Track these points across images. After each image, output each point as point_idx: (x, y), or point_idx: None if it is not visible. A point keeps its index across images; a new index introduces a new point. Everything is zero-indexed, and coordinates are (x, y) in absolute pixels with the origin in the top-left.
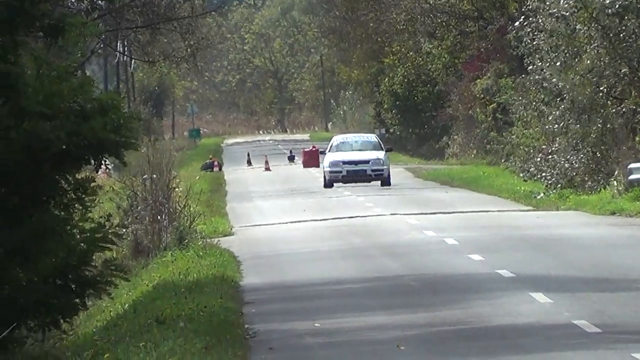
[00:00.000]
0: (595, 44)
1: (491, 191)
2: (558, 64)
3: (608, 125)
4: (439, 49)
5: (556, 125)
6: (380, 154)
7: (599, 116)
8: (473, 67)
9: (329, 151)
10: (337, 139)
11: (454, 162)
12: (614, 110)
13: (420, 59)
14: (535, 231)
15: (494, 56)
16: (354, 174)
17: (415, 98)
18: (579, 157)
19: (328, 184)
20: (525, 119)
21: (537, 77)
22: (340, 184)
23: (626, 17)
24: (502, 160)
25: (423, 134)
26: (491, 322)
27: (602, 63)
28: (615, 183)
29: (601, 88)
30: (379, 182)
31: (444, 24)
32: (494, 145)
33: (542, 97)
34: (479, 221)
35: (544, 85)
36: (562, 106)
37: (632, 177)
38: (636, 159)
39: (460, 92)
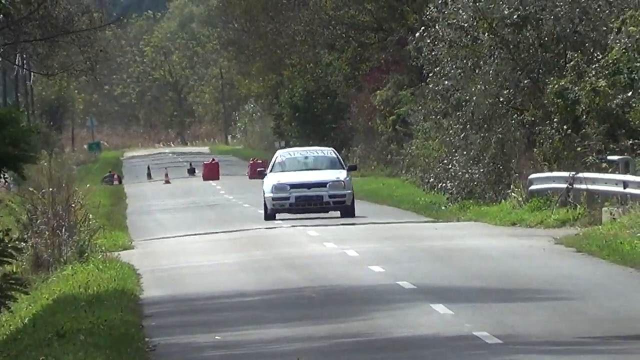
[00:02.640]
0: (496, 55)
1: (392, 202)
2: (458, 74)
3: (508, 136)
4: (339, 60)
5: (456, 137)
6: (341, 174)
7: (499, 127)
8: (373, 78)
9: (271, 170)
10: (281, 154)
11: (354, 174)
12: (514, 121)
13: (320, 71)
14: (436, 242)
15: (393, 67)
16: (305, 202)
17: (315, 110)
18: (479, 168)
19: (269, 215)
20: (425, 130)
21: (436, 87)
22: (286, 214)
23: (525, 28)
24: (403, 172)
25: (323, 146)
26: (392, 334)
27: (502, 74)
28: (515, 194)
29: (501, 99)
30: (338, 212)
31: (343, 35)
32: (394, 156)
33: (442, 107)
34: (380, 233)
35: (443, 95)
36: (462, 117)
37: (532, 187)
38: (536, 169)
39: (360, 104)
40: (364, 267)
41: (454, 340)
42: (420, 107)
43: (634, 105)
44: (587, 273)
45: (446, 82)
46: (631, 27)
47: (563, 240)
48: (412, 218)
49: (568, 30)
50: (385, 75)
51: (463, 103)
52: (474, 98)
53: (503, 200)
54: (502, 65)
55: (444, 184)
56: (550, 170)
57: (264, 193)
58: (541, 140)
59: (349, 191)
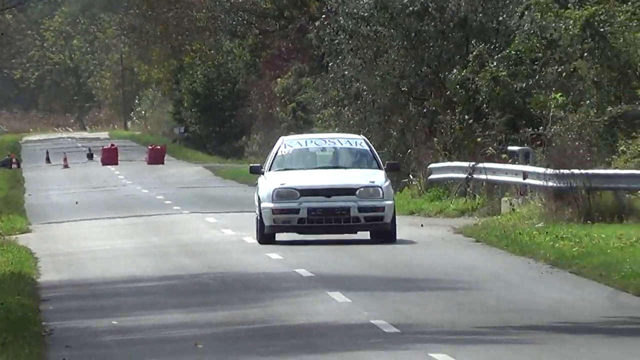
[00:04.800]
0: (396, 45)
1: None
2: (359, 64)
3: (409, 126)
4: (240, 47)
5: (356, 126)
6: (377, 176)
7: (400, 117)
8: (274, 66)
9: (270, 168)
10: (287, 142)
11: (253, 161)
12: (414, 110)
13: (220, 58)
14: None
15: (295, 55)
16: (323, 216)
17: (216, 97)
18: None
19: (267, 235)
20: (325, 119)
21: (337, 76)
22: (294, 234)
23: (426, 18)
24: None
25: (223, 132)
26: (289, 321)
27: (403, 64)
28: (415, 183)
29: (402, 89)
30: (369, 232)
31: (244, 22)
32: None
33: (342, 96)
34: None
35: (344, 84)
36: (363, 107)
37: (431, 177)
38: (436, 159)
39: (260, 91)
40: (262, 254)
41: (351, 328)
42: (320, 96)
43: (534, 94)
44: (486, 263)
45: (346, 72)
46: (535, 13)
47: (462, 229)
48: None
49: (470, 20)
50: (286, 63)
51: (363, 92)
52: (375, 88)
53: (402, 189)
54: (402, 55)
55: None
56: (450, 160)
57: (258, 201)
58: (442, 130)
59: (389, 202)
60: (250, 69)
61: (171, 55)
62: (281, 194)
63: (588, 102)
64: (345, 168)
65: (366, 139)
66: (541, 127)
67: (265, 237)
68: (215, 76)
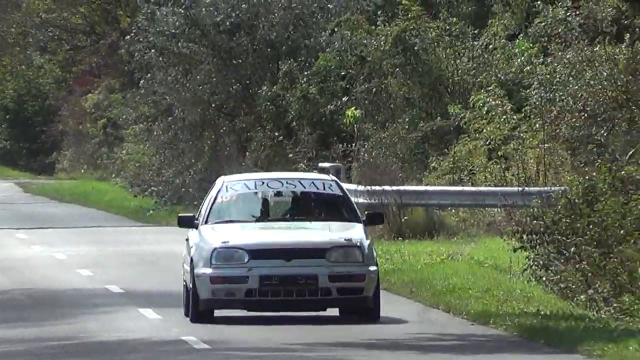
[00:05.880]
0: (207, 61)
1: (101, 206)
2: (169, 81)
3: (220, 142)
4: (50, 63)
5: (167, 142)
6: (355, 231)
7: (211, 133)
8: (84, 81)
9: (206, 220)
10: (229, 184)
11: (64, 177)
12: (225, 127)
13: (31, 73)
14: (145, 247)
15: (105, 71)
16: (281, 287)
17: (26, 112)
18: (191, 174)
19: (202, 313)
20: (135, 134)
21: (148, 92)
22: (239, 310)
23: (237, 35)
24: (113, 176)
25: (34, 148)
26: (99, 338)
27: (214, 80)
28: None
29: (213, 105)
30: (340, 310)
31: (55, 38)
32: (105, 160)
33: (153, 112)
34: (89, 236)
35: (154, 101)
36: (173, 123)
37: None
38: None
39: (71, 107)
40: (72, 270)
41: (162, 344)
42: (131, 111)
43: (344, 112)
44: None
45: (157, 89)
46: (345, 31)
47: None
48: (121, 222)
49: (282, 37)
50: (96, 79)
51: (174, 109)
52: (185, 104)
53: None
54: (213, 72)
55: (154, 189)
56: None
57: (189, 265)
58: (253, 147)
59: (372, 268)
60: (61, 84)
61: None
62: (223, 256)
63: (400, 119)
64: (310, 220)
65: (338, 180)
66: (354, 144)
67: (200, 314)
68: (25, 91)
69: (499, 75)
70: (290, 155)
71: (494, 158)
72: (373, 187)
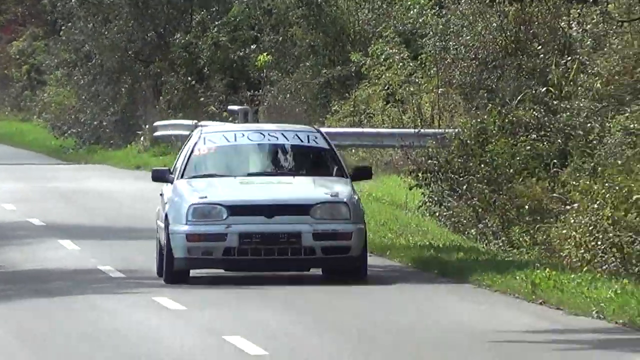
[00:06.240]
0: (124, 11)
1: (25, 146)
2: (89, 29)
3: (136, 87)
4: None
5: (86, 86)
6: (341, 186)
7: (128, 78)
8: (10, 30)
9: (182, 174)
10: (207, 136)
11: None
12: (141, 72)
13: None
14: (65, 183)
15: (29, 20)
16: (262, 245)
17: None
18: (108, 115)
19: (177, 273)
20: (57, 79)
21: (68, 40)
22: (219, 269)
23: None
24: (35, 117)
25: None
26: (22, 267)
27: (130, 29)
28: (142, 139)
29: (129, 52)
30: (324, 270)
31: None
32: (28, 102)
33: (73, 59)
34: (12, 174)
35: (75, 47)
36: (92, 69)
37: (157, 134)
38: (161, 117)
39: None
40: None
41: (80, 273)
42: (53, 58)
43: (253, 59)
44: None
45: (77, 37)
46: None
47: None
48: (43, 160)
49: None
50: (21, 27)
51: (93, 55)
52: (104, 51)
53: (129, 146)
54: (130, 21)
55: (73, 131)
56: (175, 118)
57: (164, 222)
58: (167, 91)
59: (359, 226)
60: None
61: None
62: (200, 213)
63: (303, 65)
64: (293, 175)
65: (323, 132)
66: (260, 89)
67: (175, 274)
68: None
69: (397, 25)
70: (202, 99)
71: (392, 102)
72: None
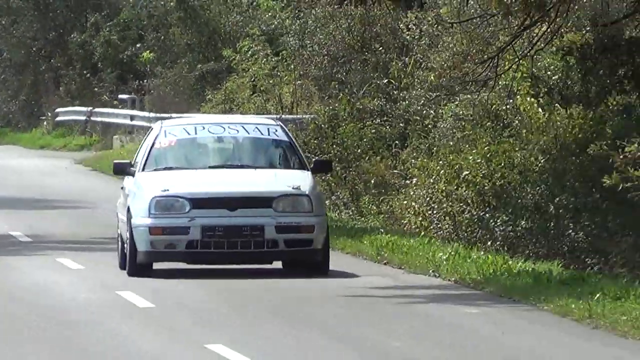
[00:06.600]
0: (30, 14)
1: None
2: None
3: (39, 78)
4: None
5: None
6: (303, 179)
7: (32, 71)
8: None
9: (144, 167)
10: (168, 129)
11: None
12: (44, 66)
13: None
14: None
15: None
16: (225, 239)
17: None
18: (16, 102)
19: (140, 266)
20: None
21: None
22: (181, 263)
23: None
24: None
25: None
26: None
27: (34, 29)
28: (45, 124)
29: (33, 49)
30: (285, 263)
31: None
32: None
33: None
34: None
35: None
36: (2, 63)
37: (58, 119)
38: (61, 104)
39: None
40: None
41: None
42: None
43: (139, 55)
44: (99, 187)
45: None
46: None
47: (82, 161)
48: None
49: None
50: None
51: (3, 51)
52: (12, 48)
53: (34, 129)
54: (34, 22)
55: None
56: (73, 105)
57: (126, 215)
58: (65, 82)
59: (321, 217)
60: None
61: None
62: (163, 206)
63: (181, 60)
64: (255, 167)
65: (283, 125)
66: (145, 80)
67: (137, 267)
68: None
69: (261, 26)
70: (96, 89)
71: (257, 92)
72: (162, 114)
